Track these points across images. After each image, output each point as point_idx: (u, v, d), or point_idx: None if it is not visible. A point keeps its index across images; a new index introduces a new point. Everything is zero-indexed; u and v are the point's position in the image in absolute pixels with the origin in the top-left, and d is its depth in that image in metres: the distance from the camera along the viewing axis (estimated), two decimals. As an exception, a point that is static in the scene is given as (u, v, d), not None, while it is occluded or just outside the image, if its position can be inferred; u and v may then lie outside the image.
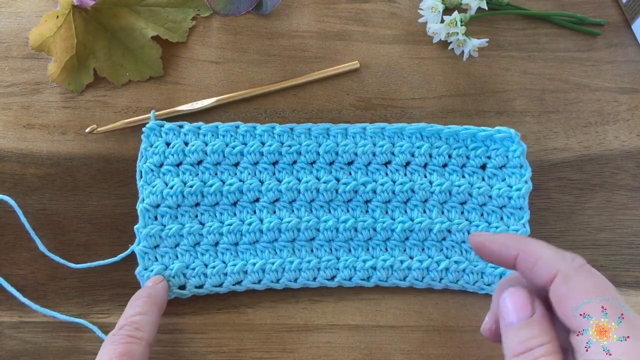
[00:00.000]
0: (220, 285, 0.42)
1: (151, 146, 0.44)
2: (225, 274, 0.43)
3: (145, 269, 0.42)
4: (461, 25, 0.48)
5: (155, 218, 0.43)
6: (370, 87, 0.48)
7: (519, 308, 0.29)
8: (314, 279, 0.43)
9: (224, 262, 0.43)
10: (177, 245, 0.43)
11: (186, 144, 0.44)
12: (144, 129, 0.44)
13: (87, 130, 0.45)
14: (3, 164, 0.45)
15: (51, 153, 0.46)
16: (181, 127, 0.44)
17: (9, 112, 0.47)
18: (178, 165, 0.44)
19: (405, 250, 0.44)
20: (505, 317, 0.30)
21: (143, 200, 0.43)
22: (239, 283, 0.43)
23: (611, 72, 0.49)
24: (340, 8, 0.51)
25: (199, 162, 0.44)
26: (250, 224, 0.43)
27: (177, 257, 0.43)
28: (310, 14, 0.51)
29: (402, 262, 0.43)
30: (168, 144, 0.44)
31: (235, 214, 0.43)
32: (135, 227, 0.43)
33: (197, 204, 0.43)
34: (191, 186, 0.43)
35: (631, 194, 0.46)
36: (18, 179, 0.45)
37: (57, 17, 0.45)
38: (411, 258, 0.43)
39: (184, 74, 0.48)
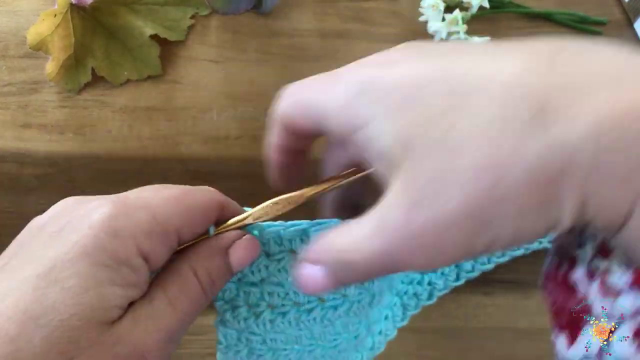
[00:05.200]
0: None
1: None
2: None
3: None
4: (462, 24, 0.47)
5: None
6: (370, 86, 0.48)
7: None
8: None
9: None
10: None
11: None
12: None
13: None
14: (0, 164, 0.45)
15: (49, 153, 0.46)
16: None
17: (6, 112, 0.46)
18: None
19: None
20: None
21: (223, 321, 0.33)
22: None
23: (613, 72, 0.49)
24: (340, 6, 0.50)
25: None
26: None
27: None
28: (310, 13, 0.50)
29: None
30: (268, 255, 0.31)
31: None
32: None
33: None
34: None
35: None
36: (15, 179, 0.45)
37: (55, 15, 0.45)
38: None
39: (182, 73, 0.48)
